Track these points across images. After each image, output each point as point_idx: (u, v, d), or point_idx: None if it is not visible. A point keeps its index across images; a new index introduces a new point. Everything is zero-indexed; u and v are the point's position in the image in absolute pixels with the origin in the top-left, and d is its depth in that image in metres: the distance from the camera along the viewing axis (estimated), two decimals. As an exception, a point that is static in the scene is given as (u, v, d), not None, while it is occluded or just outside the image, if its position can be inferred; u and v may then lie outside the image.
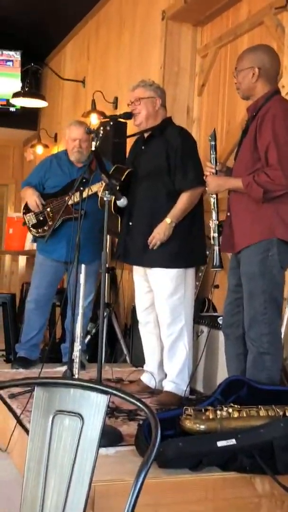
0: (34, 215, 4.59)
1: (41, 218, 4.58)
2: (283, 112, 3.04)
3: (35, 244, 5.11)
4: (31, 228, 4.66)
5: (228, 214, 3.27)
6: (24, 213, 4.69)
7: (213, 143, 3.32)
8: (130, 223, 3.79)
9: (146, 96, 3.76)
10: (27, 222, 4.66)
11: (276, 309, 3.12)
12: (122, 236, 3.85)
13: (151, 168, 3.76)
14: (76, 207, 4.39)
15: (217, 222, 3.26)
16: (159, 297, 3.74)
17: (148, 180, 3.75)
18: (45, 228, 4.57)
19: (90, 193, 4.03)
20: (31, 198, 4.57)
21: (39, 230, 4.61)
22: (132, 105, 3.79)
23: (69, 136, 4.60)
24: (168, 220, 3.62)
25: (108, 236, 3.87)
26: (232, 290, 3.30)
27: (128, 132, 4.74)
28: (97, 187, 4.09)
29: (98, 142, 3.19)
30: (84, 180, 4.48)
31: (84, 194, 4.20)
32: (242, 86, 3.22)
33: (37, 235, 4.64)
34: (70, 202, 4.45)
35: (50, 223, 4.55)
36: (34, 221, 4.61)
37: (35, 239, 4.79)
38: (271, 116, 3.03)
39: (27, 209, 4.65)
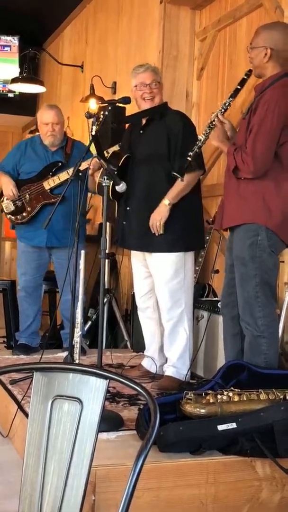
0: (11, 202, 4.53)
1: (19, 205, 4.53)
2: (278, 100, 3.01)
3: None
4: (9, 216, 4.60)
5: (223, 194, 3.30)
6: (1, 200, 4.64)
7: (239, 87, 3.27)
8: (128, 208, 3.77)
9: (159, 80, 3.76)
10: (4, 209, 4.59)
11: (269, 292, 3.12)
12: (120, 221, 3.84)
13: (151, 153, 3.73)
14: (55, 192, 4.38)
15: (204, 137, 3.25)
16: (159, 281, 3.73)
17: (147, 164, 3.73)
18: (24, 214, 4.52)
19: (82, 169, 3.99)
20: (7, 187, 4.51)
21: (18, 217, 4.55)
22: (147, 88, 3.72)
23: (41, 121, 4.57)
24: (165, 201, 3.59)
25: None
26: (228, 271, 3.33)
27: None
28: (85, 165, 4.02)
29: (98, 126, 3.17)
30: (60, 164, 4.47)
31: (62, 178, 4.21)
32: (254, 63, 3.19)
33: (16, 221, 4.58)
34: (48, 187, 4.43)
35: (28, 209, 4.50)
36: (12, 208, 4.54)
37: (13, 226, 4.74)
38: (265, 102, 3.03)
39: (2, 196, 4.60)
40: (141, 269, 3.87)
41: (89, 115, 3.27)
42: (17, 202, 4.53)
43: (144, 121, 3.82)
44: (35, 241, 4.55)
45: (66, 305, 4.18)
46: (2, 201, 4.61)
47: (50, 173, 4.47)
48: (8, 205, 4.56)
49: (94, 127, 3.18)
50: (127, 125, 4.20)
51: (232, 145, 3.16)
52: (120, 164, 3.77)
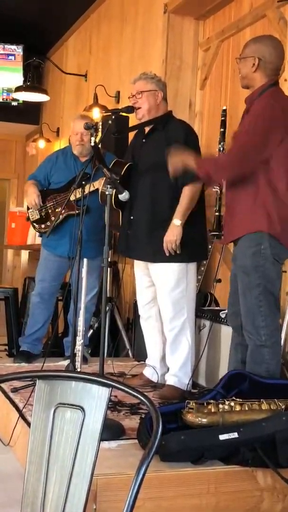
0: (37, 211, 4.59)
1: (44, 214, 4.58)
2: (266, 108, 3.07)
3: (38, 239, 5.10)
4: (34, 224, 4.66)
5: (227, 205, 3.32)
6: (28, 208, 4.68)
7: (222, 130, 3.33)
8: (132, 217, 3.78)
9: (147, 89, 3.75)
10: (30, 217, 4.66)
11: (273, 302, 3.12)
12: (124, 230, 3.85)
13: (153, 162, 3.74)
14: (79, 203, 4.38)
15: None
16: (161, 291, 3.73)
17: (150, 174, 3.73)
18: (48, 224, 4.56)
19: (92, 189, 4.02)
20: (31, 196, 4.55)
21: (42, 226, 4.60)
22: (133, 98, 3.77)
23: (72, 130, 4.61)
24: (176, 222, 3.59)
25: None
26: (233, 280, 3.33)
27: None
28: (99, 183, 4.07)
29: (97, 137, 3.19)
30: (88, 176, 4.48)
31: (86, 190, 4.20)
32: (242, 74, 3.25)
33: (41, 230, 4.63)
34: (73, 198, 4.44)
35: (52, 218, 4.54)
36: (37, 216, 4.60)
37: (40, 234, 4.79)
38: (254, 110, 3.10)
39: None
40: (144, 278, 3.87)
41: (87, 126, 3.29)
42: (42, 211, 4.56)
43: (147, 130, 3.84)
44: (58, 250, 4.57)
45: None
46: (29, 209, 4.64)
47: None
48: (33, 214, 4.61)
49: (92, 138, 3.20)
50: (132, 134, 4.20)
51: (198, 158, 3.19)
52: (122, 173, 3.78)
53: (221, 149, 3.32)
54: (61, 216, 4.44)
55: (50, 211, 4.56)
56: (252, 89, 3.23)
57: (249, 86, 3.24)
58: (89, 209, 4.02)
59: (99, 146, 3.34)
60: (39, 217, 4.60)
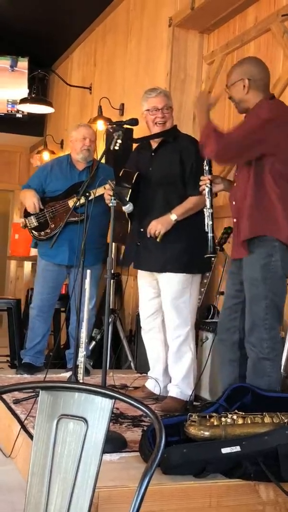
0: (35, 218, 4.56)
1: (42, 221, 4.55)
2: (260, 109, 3.08)
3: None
4: (33, 231, 4.63)
5: (234, 220, 3.27)
6: (25, 216, 4.65)
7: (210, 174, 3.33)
8: (142, 229, 3.78)
9: (171, 104, 3.82)
10: (28, 224, 4.61)
11: (277, 315, 3.11)
12: (133, 242, 3.85)
13: (164, 175, 3.76)
14: (79, 211, 4.39)
15: (212, 210, 3.26)
16: (168, 300, 3.73)
17: (162, 186, 3.74)
18: (47, 231, 4.54)
19: (96, 195, 4.03)
20: (30, 199, 4.52)
21: (42, 233, 4.57)
22: (160, 113, 3.77)
23: (78, 135, 4.59)
24: (173, 216, 3.64)
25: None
26: (231, 296, 3.30)
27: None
28: (102, 190, 4.07)
29: (115, 143, 3.24)
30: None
31: (91, 197, 4.22)
32: (236, 99, 3.24)
33: (39, 237, 4.60)
34: (72, 206, 4.44)
35: (52, 226, 4.52)
36: (36, 223, 4.57)
37: (35, 245, 4.75)
38: (249, 113, 3.14)
39: (27, 212, 4.61)
40: (148, 289, 3.86)
41: (113, 130, 3.32)
42: (41, 218, 4.54)
43: (155, 144, 3.84)
44: (57, 258, 4.56)
45: (75, 324, 4.17)
46: (26, 217, 4.62)
47: (76, 193, 4.48)
48: (31, 221, 4.58)
49: (119, 141, 3.23)
50: (134, 146, 4.22)
51: (209, 123, 3.19)
52: (132, 183, 3.79)
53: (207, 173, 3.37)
54: (61, 224, 4.44)
55: (48, 218, 4.54)
56: (250, 110, 3.22)
57: (247, 109, 3.23)
58: (88, 217, 4.03)
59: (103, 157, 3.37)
60: (37, 224, 4.57)
